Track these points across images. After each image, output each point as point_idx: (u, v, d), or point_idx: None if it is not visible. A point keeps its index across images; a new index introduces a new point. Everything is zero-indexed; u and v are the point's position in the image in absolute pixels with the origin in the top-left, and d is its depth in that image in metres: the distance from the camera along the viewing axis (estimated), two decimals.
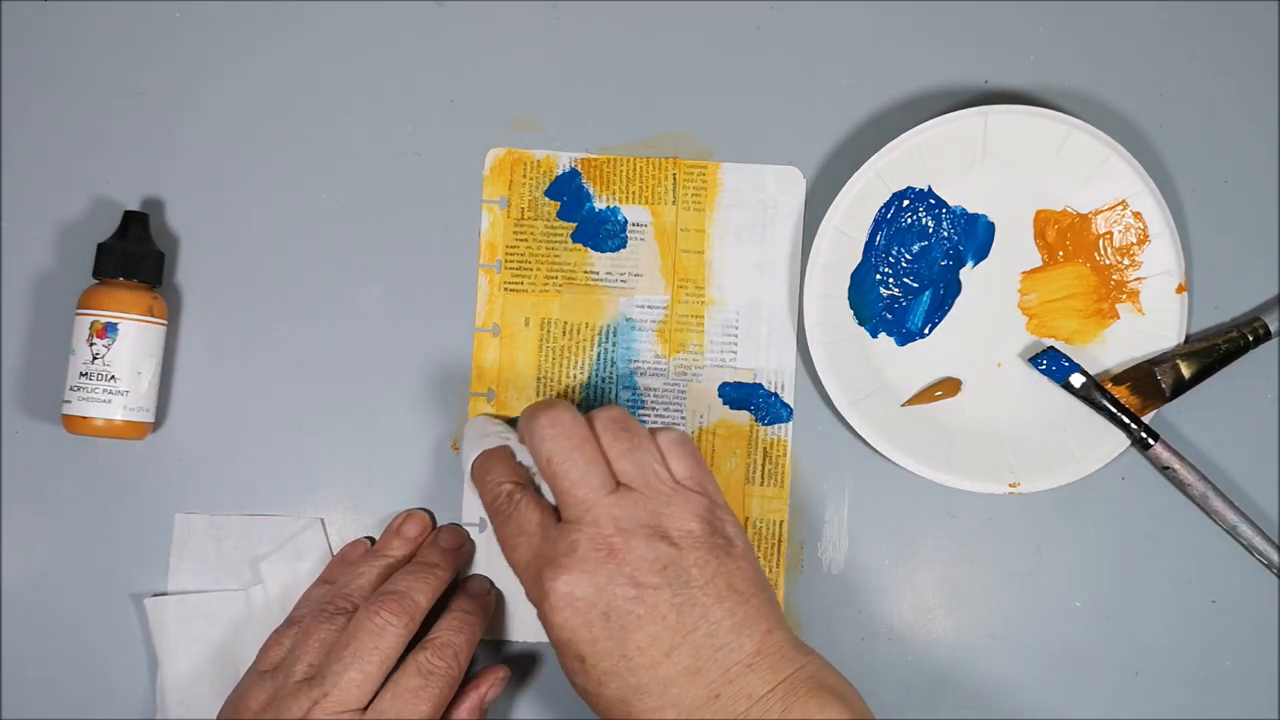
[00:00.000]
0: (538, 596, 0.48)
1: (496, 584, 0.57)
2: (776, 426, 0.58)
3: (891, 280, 0.58)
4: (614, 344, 0.58)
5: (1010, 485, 0.56)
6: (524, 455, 0.52)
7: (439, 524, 0.57)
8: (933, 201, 0.58)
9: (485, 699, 0.54)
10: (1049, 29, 0.59)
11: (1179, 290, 0.57)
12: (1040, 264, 0.58)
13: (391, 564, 0.55)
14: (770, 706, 0.45)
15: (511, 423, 0.56)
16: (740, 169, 0.59)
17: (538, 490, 0.51)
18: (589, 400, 0.58)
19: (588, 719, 0.56)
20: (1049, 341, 0.58)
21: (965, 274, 0.58)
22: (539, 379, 0.58)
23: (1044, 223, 0.58)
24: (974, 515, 0.58)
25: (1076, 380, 0.56)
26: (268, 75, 0.59)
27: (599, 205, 0.59)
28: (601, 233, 0.58)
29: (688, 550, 0.47)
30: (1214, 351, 0.57)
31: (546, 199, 0.59)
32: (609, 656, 0.46)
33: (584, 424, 0.49)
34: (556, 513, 0.49)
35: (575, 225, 0.59)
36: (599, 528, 0.47)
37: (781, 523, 0.57)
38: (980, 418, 0.57)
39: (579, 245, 0.58)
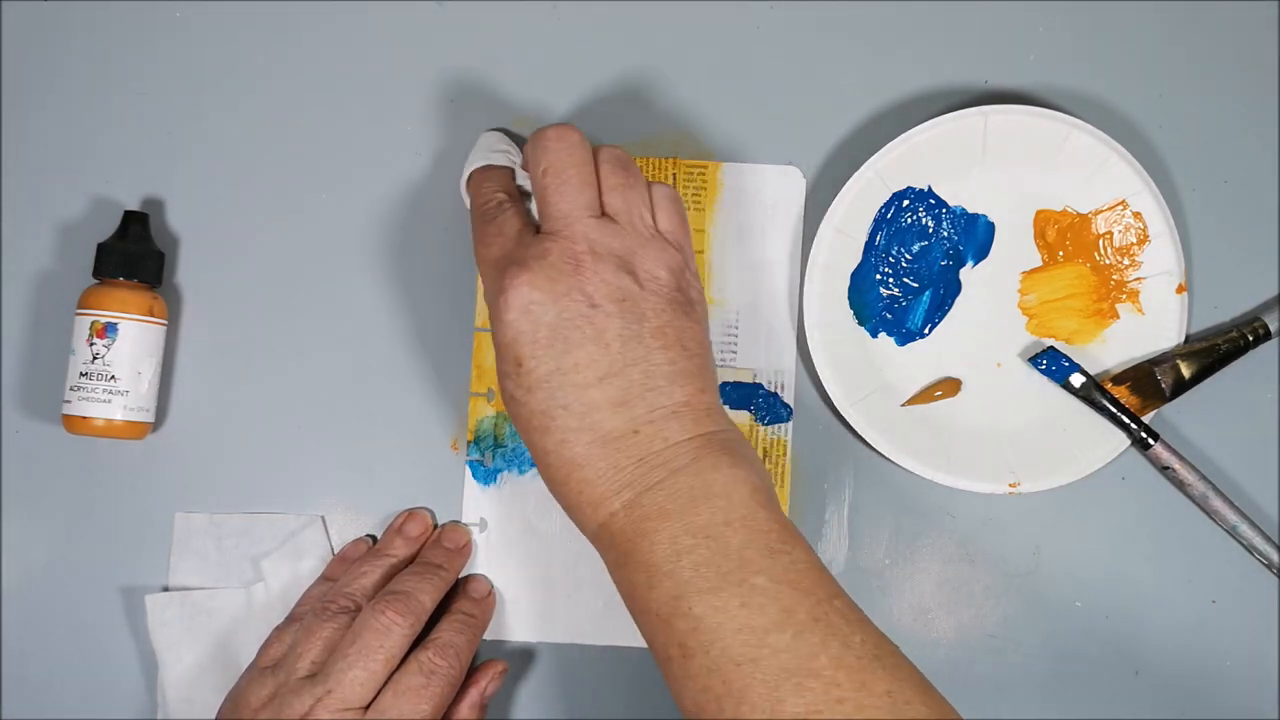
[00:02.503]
0: (495, 292, 0.48)
1: (496, 584, 0.57)
2: (776, 426, 0.58)
3: (891, 280, 0.58)
4: None
5: (1010, 485, 0.56)
6: (524, 181, 0.53)
7: (439, 523, 0.57)
8: (933, 201, 0.58)
9: (485, 694, 0.54)
10: (1049, 29, 0.59)
11: (1179, 290, 0.57)
12: (1040, 264, 0.58)
13: (394, 563, 0.55)
14: (682, 453, 0.46)
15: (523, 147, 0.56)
16: (740, 169, 0.59)
17: (528, 210, 0.52)
18: None
19: (587, 718, 0.57)
20: (1049, 341, 0.58)
21: (965, 274, 0.58)
22: None
23: (1044, 223, 0.58)
24: (974, 515, 0.58)
25: (1076, 380, 0.56)
26: (267, 75, 0.59)
27: None
28: None
29: (649, 294, 0.48)
30: (1214, 351, 0.57)
31: None
32: (545, 364, 0.47)
33: (588, 149, 0.50)
34: (537, 230, 0.50)
35: None
36: (573, 242, 0.48)
37: None
38: (980, 418, 0.57)
39: None
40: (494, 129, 0.58)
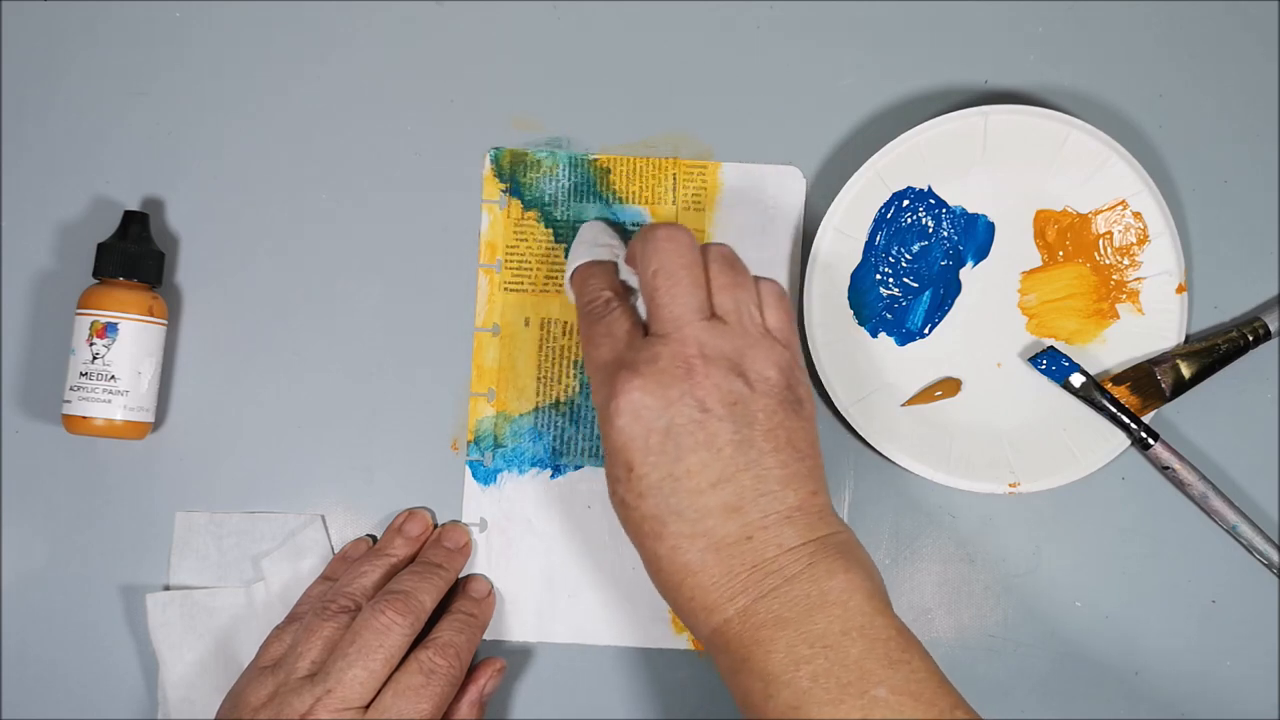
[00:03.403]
0: (606, 396, 0.48)
1: (496, 584, 0.57)
2: None
3: (891, 280, 0.58)
4: None
5: (1010, 485, 0.56)
6: (628, 276, 0.53)
7: (439, 523, 0.57)
8: (933, 201, 0.58)
9: (484, 692, 0.54)
10: (1049, 29, 0.59)
11: (1179, 290, 0.57)
12: (1040, 264, 0.58)
13: (394, 563, 0.55)
14: (797, 559, 0.46)
15: (625, 238, 0.57)
16: (740, 169, 0.59)
17: (634, 308, 0.52)
18: (588, 401, 0.58)
19: (584, 718, 0.57)
20: (1049, 341, 0.58)
21: (965, 274, 0.58)
22: (539, 379, 0.58)
23: (1044, 223, 0.58)
24: (974, 515, 0.58)
25: (1076, 380, 0.56)
26: (267, 75, 0.59)
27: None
28: None
29: (760, 395, 0.47)
30: (1214, 351, 0.57)
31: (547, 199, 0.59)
32: (657, 471, 0.46)
33: (698, 249, 0.50)
34: (645, 330, 0.50)
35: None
36: (684, 346, 0.47)
37: None
38: (980, 418, 0.57)
39: None
40: (596, 219, 0.58)
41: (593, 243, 0.54)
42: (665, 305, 0.48)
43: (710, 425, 0.46)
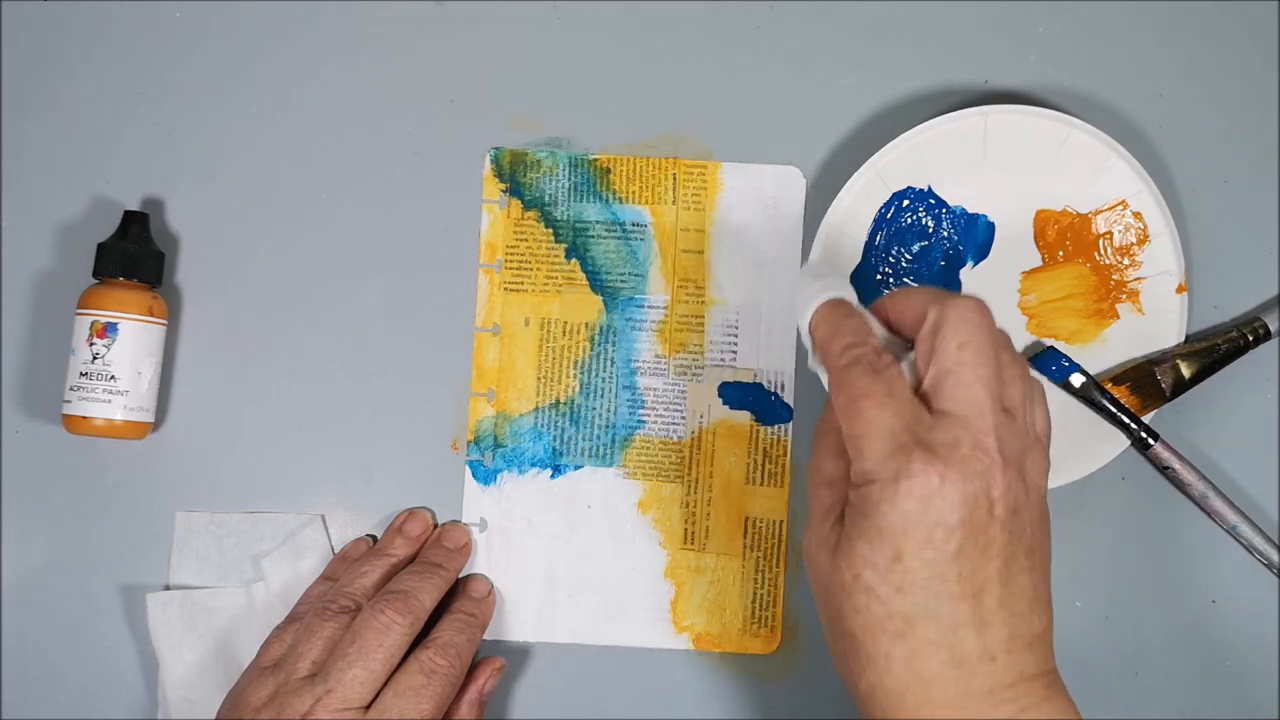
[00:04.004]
0: (893, 471, 0.41)
1: (496, 584, 0.57)
2: (776, 427, 0.58)
3: (891, 280, 0.58)
4: (614, 344, 0.58)
5: None
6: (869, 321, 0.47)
7: (439, 523, 0.57)
8: (933, 201, 0.58)
9: (484, 691, 0.54)
10: (1049, 29, 0.59)
11: (1179, 290, 0.57)
12: (1040, 264, 0.58)
13: (394, 563, 0.55)
14: (1033, 690, 0.43)
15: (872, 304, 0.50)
16: (740, 169, 0.59)
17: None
18: (588, 401, 0.58)
19: (584, 718, 0.57)
20: (1049, 341, 0.58)
21: (965, 274, 0.58)
22: (539, 379, 0.58)
23: (1044, 223, 0.58)
24: None
25: (1076, 380, 0.56)
26: (268, 75, 0.59)
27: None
28: None
29: (1033, 504, 0.44)
30: (1214, 351, 0.57)
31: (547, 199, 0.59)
32: (928, 568, 0.41)
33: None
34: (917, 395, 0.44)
35: None
36: (985, 436, 0.42)
37: (781, 523, 0.57)
38: None
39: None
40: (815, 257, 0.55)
41: (821, 275, 0.48)
42: (970, 385, 0.43)
43: (991, 531, 0.42)
